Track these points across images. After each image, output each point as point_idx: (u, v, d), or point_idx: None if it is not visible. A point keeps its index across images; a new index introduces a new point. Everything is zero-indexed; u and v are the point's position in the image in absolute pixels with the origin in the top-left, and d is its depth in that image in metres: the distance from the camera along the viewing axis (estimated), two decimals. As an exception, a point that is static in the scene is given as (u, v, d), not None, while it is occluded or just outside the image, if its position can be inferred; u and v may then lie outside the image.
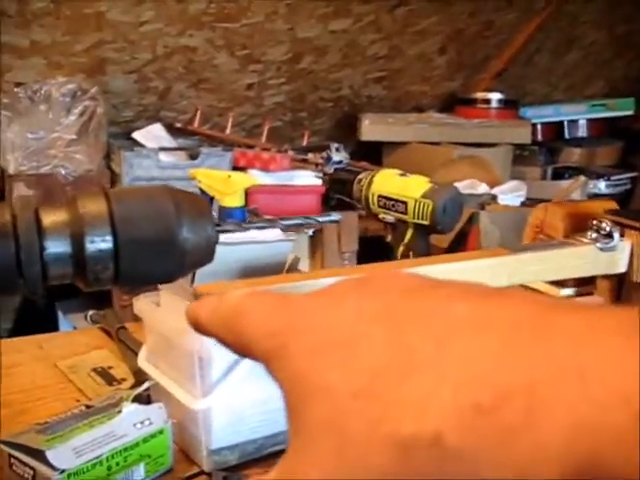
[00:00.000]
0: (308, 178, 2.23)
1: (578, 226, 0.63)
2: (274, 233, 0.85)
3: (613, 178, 2.63)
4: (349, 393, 0.24)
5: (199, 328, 0.31)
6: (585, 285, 0.67)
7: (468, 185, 2.07)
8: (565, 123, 2.77)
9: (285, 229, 0.66)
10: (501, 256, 0.55)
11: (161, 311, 0.86)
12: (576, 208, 0.67)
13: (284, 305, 0.27)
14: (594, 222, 0.61)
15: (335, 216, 0.67)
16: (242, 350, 0.28)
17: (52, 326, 2.24)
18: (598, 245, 0.60)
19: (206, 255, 0.49)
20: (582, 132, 2.81)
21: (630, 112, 2.85)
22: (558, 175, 2.59)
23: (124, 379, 1.03)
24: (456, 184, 2.11)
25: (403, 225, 1.04)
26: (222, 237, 0.85)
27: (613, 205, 0.67)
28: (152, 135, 2.41)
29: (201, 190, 1.11)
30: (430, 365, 0.23)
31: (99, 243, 0.46)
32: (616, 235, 0.61)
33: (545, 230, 0.68)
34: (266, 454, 0.85)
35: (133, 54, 2.23)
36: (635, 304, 0.62)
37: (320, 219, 0.69)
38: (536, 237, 0.68)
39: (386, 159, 2.51)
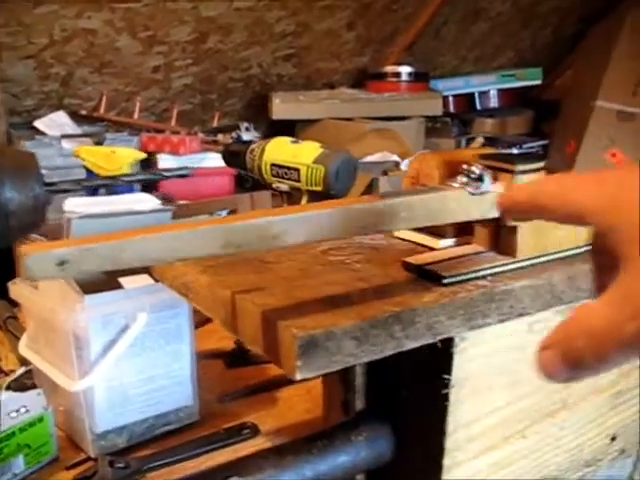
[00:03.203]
0: (220, 160, 2.19)
1: (454, 174, 0.61)
2: (152, 203, 0.81)
3: (525, 146, 2.66)
4: None
5: (520, 207, 0.41)
6: (464, 235, 0.65)
7: (380, 157, 2.06)
8: (476, 94, 2.79)
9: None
10: (369, 202, 0.53)
11: (39, 294, 0.81)
12: (451, 156, 0.65)
13: (600, 180, 0.36)
14: (464, 166, 0.60)
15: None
16: (573, 214, 0.37)
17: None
18: (469, 189, 0.58)
19: (36, 216, 0.45)
20: (493, 102, 2.84)
21: (538, 81, 2.89)
22: (472, 146, 2.60)
23: (13, 370, 0.98)
24: (368, 157, 2.11)
25: (297, 193, 1.01)
26: (97, 209, 0.81)
27: (489, 151, 0.65)
28: (55, 123, 2.33)
29: (86, 168, 1.05)
30: None
31: None
32: (487, 178, 0.59)
33: (421, 180, 0.65)
34: (157, 434, 0.81)
35: (29, 38, 2.13)
36: (511, 247, 0.61)
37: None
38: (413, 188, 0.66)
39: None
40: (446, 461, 0.61)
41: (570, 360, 0.34)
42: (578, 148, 2.48)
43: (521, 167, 0.60)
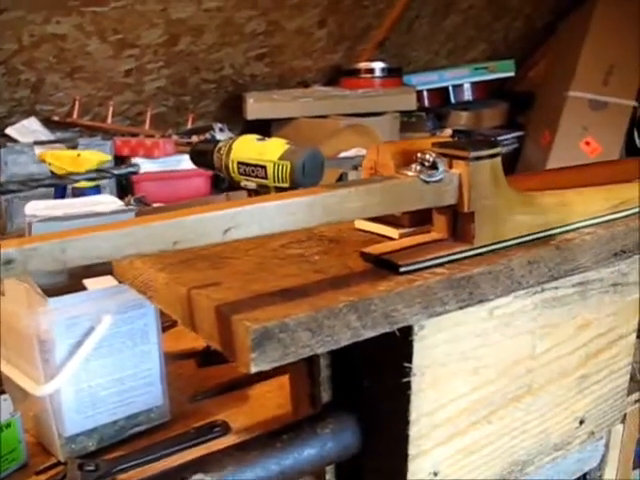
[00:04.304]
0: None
1: (410, 163, 0.61)
2: (114, 205, 0.81)
3: (500, 138, 2.68)
4: None
5: None
6: (423, 224, 0.65)
7: (355, 153, 2.06)
8: (450, 88, 2.80)
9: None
10: (315, 194, 0.53)
11: (4, 299, 0.81)
12: (408, 145, 0.65)
13: None
14: (418, 155, 0.60)
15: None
16: None
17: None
18: (422, 177, 0.58)
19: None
20: (467, 96, 2.85)
21: (512, 73, 2.90)
22: (448, 140, 2.61)
23: (-17, 378, 0.97)
24: (343, 153, 2.12)
25: (265, 190, 1.01)
26: (58, 212, 0.81)
27: (443, 139, 0.65)
28: (28, 130, 2.31)
29: (52, 172, 1.05)
30: None
31: None
32: (441, 166, 0.59)
33: (378, 171, 0.65)
34: (128, 436, 0.81)
35: (-3, 45, 2.12)
36: (469, 234, 0.61)
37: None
38: (371, 180, 0.66)
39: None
40: (411, 450, 0.61)
41: None
42: (553, 138, 2.50)
43: (475, 154, 0.60)
